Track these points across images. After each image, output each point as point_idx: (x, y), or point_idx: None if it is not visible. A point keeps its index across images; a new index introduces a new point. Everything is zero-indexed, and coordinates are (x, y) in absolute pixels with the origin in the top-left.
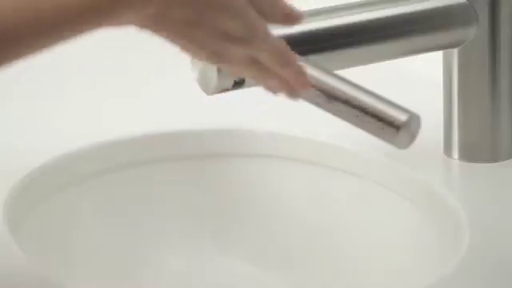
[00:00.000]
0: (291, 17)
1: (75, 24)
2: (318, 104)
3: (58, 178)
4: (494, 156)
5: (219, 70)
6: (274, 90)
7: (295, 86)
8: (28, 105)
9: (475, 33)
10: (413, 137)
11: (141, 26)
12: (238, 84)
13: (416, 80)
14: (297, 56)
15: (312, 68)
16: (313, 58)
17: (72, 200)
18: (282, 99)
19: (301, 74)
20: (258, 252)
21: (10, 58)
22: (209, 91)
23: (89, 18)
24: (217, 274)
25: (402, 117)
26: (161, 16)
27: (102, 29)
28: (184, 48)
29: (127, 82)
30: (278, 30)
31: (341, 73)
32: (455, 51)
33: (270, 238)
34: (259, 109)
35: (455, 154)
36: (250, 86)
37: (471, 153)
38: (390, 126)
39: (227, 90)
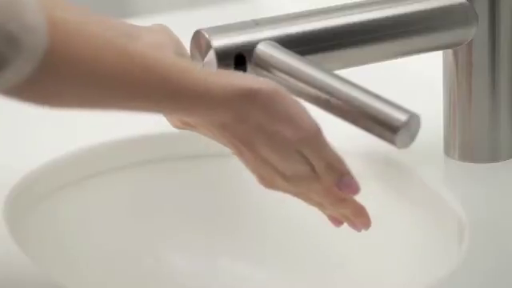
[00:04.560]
0: (342, 185)
1: (163, 104)
2: (317, 103)
3: (58, 177)
4: (494, 156)
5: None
6: (333, 221)
7: (356, 224)
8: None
9: (475, 33)
10: (413, 137)
11: (197, 125)
12: None
13: (416, 80)
14: (352, 197)
15: (312, 68)
16: (313, 58)
17: (72, 200)
18: None
19: (359, 214)
20: (258, 252)
21: (102, 107)
22: None
23: (173, 102)
24: (216, 273)
25: (401, 117)
26: (226, 125)
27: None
28: (237, 155)
29: None
30: (277, 30)
31: (341, 73)
32: (455, 51)
33: (270, 238)
34: None
35: (455, 154)
36: None
37: (471, 153)
38: (390, 125)
39: None
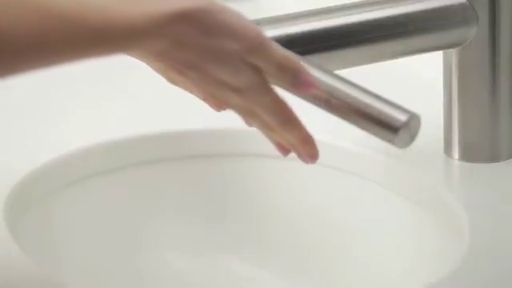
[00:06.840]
0: (299, 84)
1: (85, 48)
2: (317, 103)
3: (58, 177)
4: (494, 156)
5: None
6: (280, 149)
7: (302, 155)
8: (31, 104)
9: (475, 33)
10: (413, 137)
11: (142, 58)
12: None
13: (416, 80)
14: (301, 123)
15: (312, 68)
16: (313, 58)
17: (72, 200)
18: None
19: (306, 142)
20: (258, 251)
21: (15, 70)
22: None
23: (99, 44)
24: (216, 273)
25: (401, 117)
26: (165, 53)
27: (106, 56)
28: (182, 85)
29: (126, 83)
30: (277, 30)
31: (341, 73)
32: (455, 51)
33: (271, 238)
34: None
35: (455, 154)
36: None
37: (471, 153)
38: (390, 125)
39: None
